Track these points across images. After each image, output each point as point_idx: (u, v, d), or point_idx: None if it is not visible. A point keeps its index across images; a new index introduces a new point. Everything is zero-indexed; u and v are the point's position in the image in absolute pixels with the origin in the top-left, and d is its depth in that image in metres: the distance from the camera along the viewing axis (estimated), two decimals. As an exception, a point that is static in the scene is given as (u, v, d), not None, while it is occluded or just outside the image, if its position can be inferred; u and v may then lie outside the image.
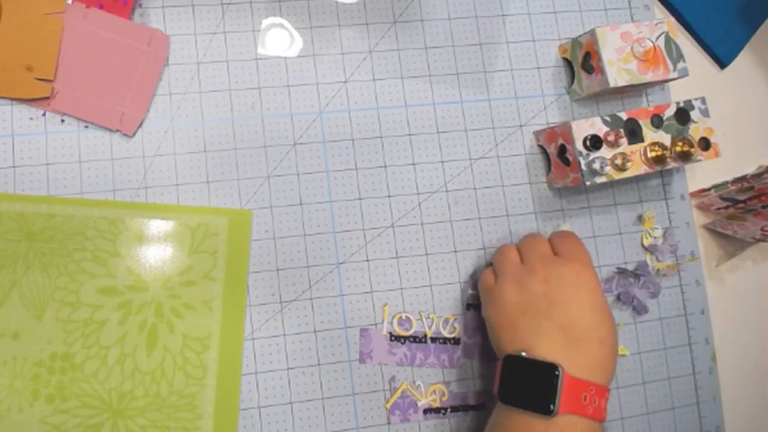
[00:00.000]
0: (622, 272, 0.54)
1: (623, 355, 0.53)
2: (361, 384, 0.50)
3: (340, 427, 0.49)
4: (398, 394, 0.50)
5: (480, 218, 0.53)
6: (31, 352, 0.46)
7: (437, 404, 0.50)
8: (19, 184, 0.49)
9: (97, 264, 0.48)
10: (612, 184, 0.56)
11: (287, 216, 0.51)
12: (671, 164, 0.50)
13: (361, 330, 0.51)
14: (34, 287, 0.47)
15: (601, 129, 0.50)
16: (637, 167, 0.50)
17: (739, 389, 0.56)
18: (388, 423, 0.50)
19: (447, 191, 0.53)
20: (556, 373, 0.41)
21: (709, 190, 0.56)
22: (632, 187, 0.56)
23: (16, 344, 0.46)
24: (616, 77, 0.51)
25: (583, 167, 0.49)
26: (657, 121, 0.51)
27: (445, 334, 0.52)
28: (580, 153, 0.49)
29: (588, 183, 0.49)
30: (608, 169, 0.49)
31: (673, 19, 0.53)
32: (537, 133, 0.55)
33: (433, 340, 0.51)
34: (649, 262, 0.55)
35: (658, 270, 0.55)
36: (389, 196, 0.52)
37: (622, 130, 0.50)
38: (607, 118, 0.50)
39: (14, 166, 0.49)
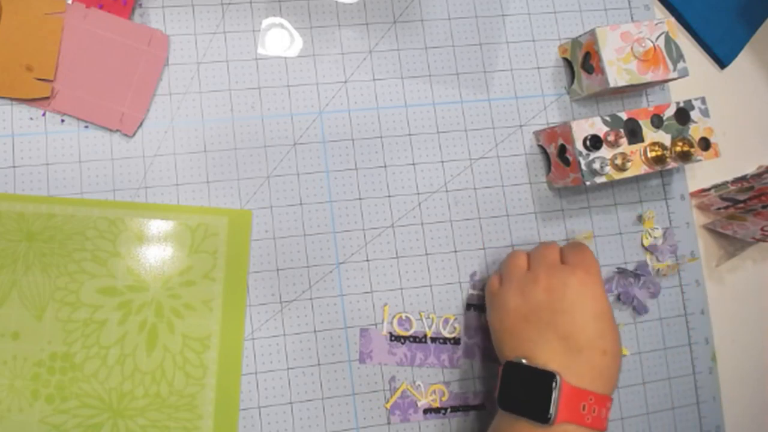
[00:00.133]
0: (622, 272, 0.54)
1: (623, 355, 0.53)
2: (361, 384, 0.50)
3: (340, 427, 0.49)
4: (398, 394, 0.50)
5: (480, 218, 0.53)
6: (31, 352, 0.46)
7: (437, 404, 0.50)
8: (19, 184, 0.49)
9: (97, 264, 0.48)
10: (612, 184, 0.56)
11: (287, 216, 0.51)
12: (671, 164, 0.50)
13: (361, 330, 0.51)
14: (34, 287, 0.47)
15: (601, 129, 0.50)
16: (637, 167, 0.50)
17: (739, 389, 0.56)
18: (388, 423, 0.50)
19: (447, 191, 0.53)
20: (554, 382, 0.41)
21: (709, 190, 0.56)
22: (632, 187, 0.56)
23: (16, 344, 0.46)
24: (616, 77, 0.51)
25: (583, 167, 0.49)
26: (657, 121, 0.51)
27: (445, 334, 0.52)
28: (580, 153, 0.49)
29: (588, 183, 0.49)
30: (608, 169, 0.49)
31: (673, 19, 0.53)
32: (537, 133, 0.55)
33: (433, 340, 0.51)
34: (649, 262, 0.55)
35: (658, 270, 0.55)
36: (389, 196, 0.52)
37: (622, 130, 0.50)
38: (607, 118, 0.50)
39: (14, 166, 0.49)
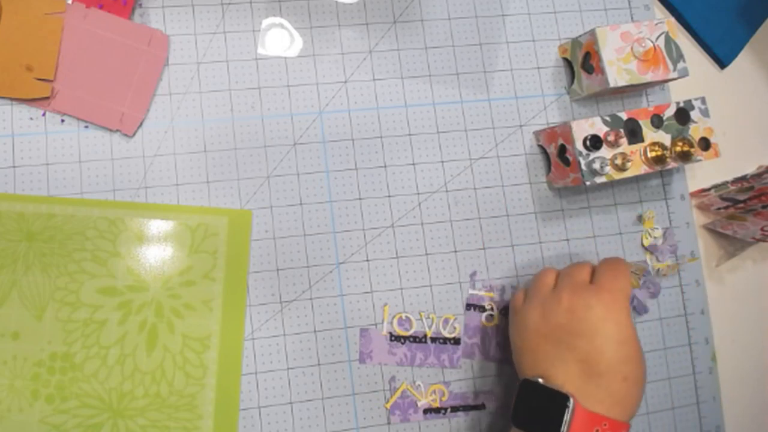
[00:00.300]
0: (622, 272, 0.54)
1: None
2: (361, 384, 0.50)
3: (340, 427, 0.49)
4: (398, 394, 0.50)
5: (480, 218, 0.53)
6: (31, 352, 0.46)
7: (437, 404, 0.50)
8: (19, 184, 0.49)
9: (97, 264, 0.48)
10: (612, 184, 0.56)
11: (287, 216, 0.51)
12: (671, 164, 0.50)
13: (361, 330, 0.51)
14: (34, 287, 0.47)
15: (601, 129, 0.50)
16: (637, 167, 0.50)
17: (739, 389, 0.56)
18: (388, 423, 0.50)
19: (447, 191, 0.53)
20: (567, 404, 0.40)
21: (709, 190, 0.56)
22: (632, 187, 0.56)
23: (16, 344, 0.46)
24: (616, 77, 0.51)
25: (583, 167, 0.49)
26: (657, 121, 0.51)
27: (445, 334, 0.52)
28: (580, 153, 0.49)
29: (588, 183, 0.49)
30: (608, 169, 0.49)
31: (673, 19, 0.53)
32: (537, 133, 0.55)
33: (433, 340, 0.51)
34: (649, 262, 0.55)
35: (658, 270, 0.55)
36: (389, 196, 0.52)
37: (622, 130, 0.50)
38: (607, 118, 0.50)
39: (14, 166, 0.49)
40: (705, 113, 0.52)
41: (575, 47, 0.54)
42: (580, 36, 0.54)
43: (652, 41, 0.51)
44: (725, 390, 0.55)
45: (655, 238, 0.55)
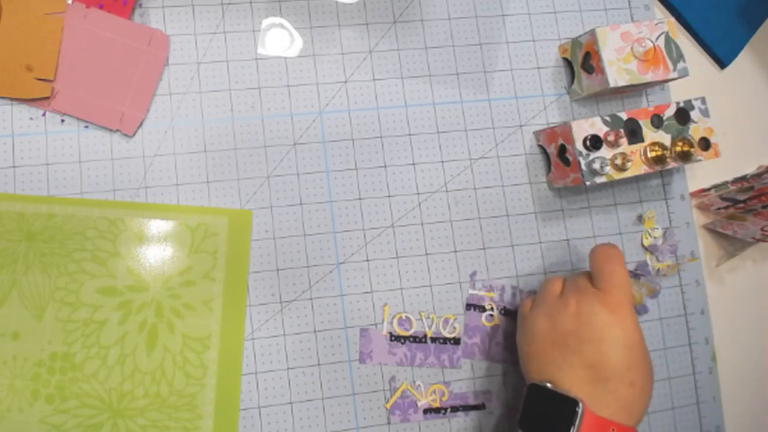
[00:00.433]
0: (622, 272, 0.54)
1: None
2: (361, 384, 0.50)
3: (340, 427, 0.49)
4: (398, 394, 0.50)
5: (480, 218, 0.53)
6: (31, 352, 0.46)
7: (437, 404, 0.50)
8: (19, 184, 0.49)
9: (97, 264, 0.48)
10: (612, 184, 0.56)
11: (287, 216, 0.51)
12: (671, 164, 0.50)
13: (361, 330, 0.51)
14: (34, 287, 0.47)
15: (601, 129, 0.50)
16: (637, 167, 0.50)
17: (739, 389, 0.56)
18: (388, 423, 0.50)
19: (447, 191, 0.53)
20: (576, 409, 0.40)
21: (709, 190, 0.56)
22: (632, 187, 0.56)
23: (16, 344, 0.46)
24: (616, 77, 0.51)
25: (583, 167, 0.49)
26: (657, 121, 0.51)
27: (445, 334, 0.52)
28: (580, 153, 0.49)
29: (588, 183, 0.49)
30: (608, 169, 0.49)
31: (673, 19, 0.53)
32: (537, 133, 0.55)
33: (433, 340, 0.51)
34: (649, 262, 0.55)
35: (658, 270, 0.55)
36: (389, 196, 0.52)
37: (622, 130, 0.50)
38: (607, 118, 0.50)
39: (14, 166, 0.49)
40: (705, 113, 0.52)
41: (575, 47, 0.54)
42: (580, 36, 0.54)
43: (652, 41, 0.51)
44: (725, 390, 0.55)
45: (655, 238, 0.55)
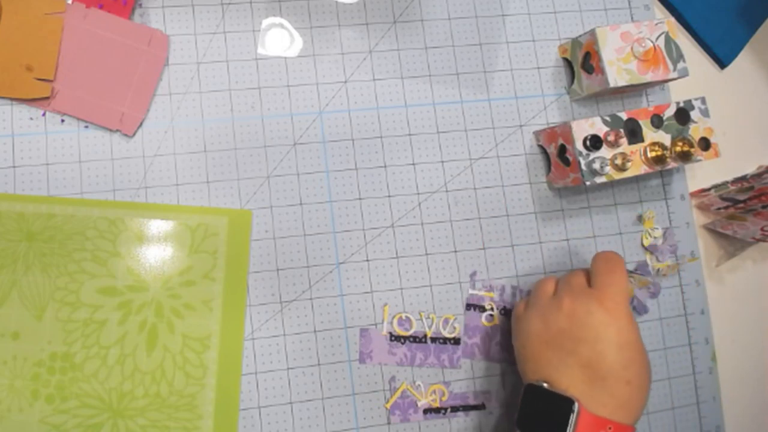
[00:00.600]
0: (622, 272, 0.54)
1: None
2: (361, 384, 0.50)
3: (340, 427, 0.49)
4: (398, 394, 0.50)
5: (480, 218, 0.53)
6: (31, 352, 0.46)
7: (437, 404, 0.50)
8: (19, 184, 0.49)
9: (97, 264, 0.48)
10: (612, 184, 0.56)
11: (287, 216, 0.51)
12: (671, 164, 0.50)
13: (361, 330, 0.51)
14: (34, 287, 0.47)
15: (601, 129, 0.50)
16: (637, 167, 0.50)
17: (739, 389, 0.56)
18: (388, 423, 0.50)
19: (447, 191, 0.53)
20: (572, 408, 0.40)
21: (709, 190, 0.56)
22: (632, 187, 0.56)
23: (16, 344, 0.46)
24: (616, 77, 0.51)
25: (583, 167, 0.49)
26: (657, 121, 0.51)
27: (445, 334, 0.52)
28: (580, 153, 0.49)
29: (588, 183, 0.49)
30: (608, 169, 0.49)
31: (673, 19, 0.53)
32: (537, 133, 0.55)
33: (433, 340, 0.51)
34: (649, 262, 0.55)
35: (658, 270, 0.55)
36: (389, 196, 0.52)
37: (622, 130, 0.50)
38: (607, 118, 0.50)
39: (14, 166, 0.49)
40: (705, 113, 0.52)
41: (575, 47, 0.54)
42: (580, 36, 0.54)
43: (652, 41, 0.51)
44: (725, 390, 0.55)
45: (655, 238, 0.55)
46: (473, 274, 0.53)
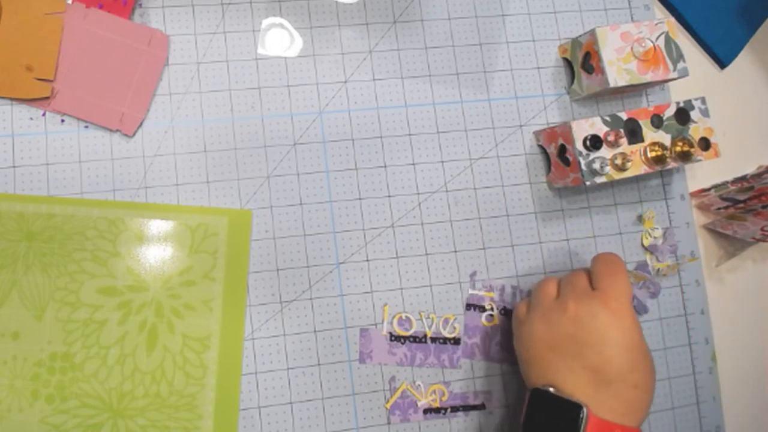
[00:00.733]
0: (622, 272, 0.54)
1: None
2: (361, 384, 0.50)
3: (340, 427, 0.49)
4: (398, 394, 0.50)
5: (480, 218, 0.53)
6: (31, 352, 0.46)
7: (437, 404, 0.50)
8: (19, 184, 0.49)
9: (97, 264, 0.48)
10: (612, 184, 0.56)
11: (287, 216, 0.51)
12: (671, 164, 0.50)
13: (361, 330, 0.51)
14: (34, 287, 0.47)
15: (601, 129, 0.50)
16: (637, 167, 0.50)
17: (739, 389, 0.56)
18: (388, 423, 0.50)
19: (447, 191, 0.53)
20: (581, 414, 0.40)
21: (709, 190, 0.56)
22: (632, 187, 0.56)
23: (16, 344, 0.46)
24: (616, 77, 0.51)
25: (583, 167, 0.49)
26: (657, 121, 0.51)
27: (445, 334, 0.52)
28: (580, 153, 0.49)
29: (588, 183, 0.49)
30: (608, 169, 0.49)
31: (673, 19, 0.53)
32: (537, 133, 0.55)
33: (433, 340, 0.51)
34: (649, 262, 0.55)
35: (658, 270, 0.55)
36: (389, 196, 0.52)
37: (622, 130, 0.50)
38: (607, 118, 0.50)
39: (14, 166, 0.49)
40: (705, 113, 0.52)
41: (575, 47, 0.54)
42: (580, 36, 0.54)
43: (652, 41, 0.51)
44: (725, 390, 0.55)
45: (655, 238, 0.55)
46: (473, 274, 0.53)
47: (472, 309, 0.52)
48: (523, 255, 0.54)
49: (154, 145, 0.50)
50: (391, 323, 0.51)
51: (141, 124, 0.50)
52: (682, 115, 0.51)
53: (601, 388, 0.41)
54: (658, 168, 0.50)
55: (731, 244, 0.57)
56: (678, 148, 0.50)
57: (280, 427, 0.49)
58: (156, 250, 0.49)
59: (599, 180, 0.49)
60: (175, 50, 0.52)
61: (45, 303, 0.47)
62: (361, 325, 0.51)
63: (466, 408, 0.51)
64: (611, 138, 0.49)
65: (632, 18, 0.58)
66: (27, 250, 0.47)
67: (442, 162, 0.54)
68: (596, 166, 0.48)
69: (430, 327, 0.51)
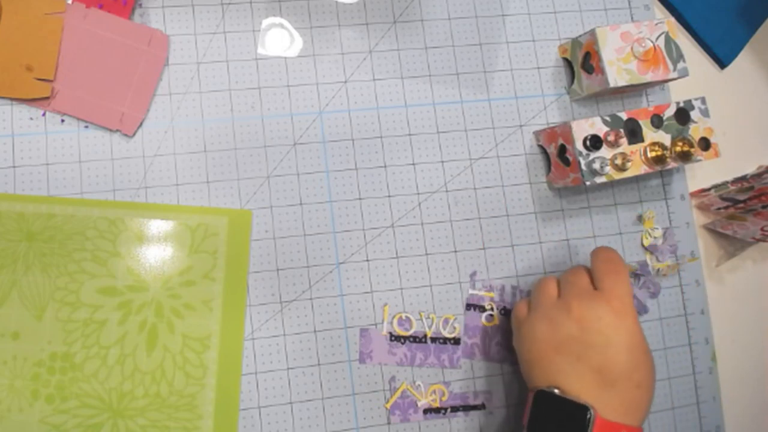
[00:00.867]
0: (622, 272, 0.54)
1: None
2: (361, 384, 0.50)
3: (340, 427, 0.49)
4: (398, 394, 0.50)
5: (480, 218, 0.53)
6: (31, 352, 0.46)
7: (437, 404, 0.50)
8: (19, 184, 0.49)
9: (97, 264, 0.48)
10: (612, 184, 0.56)
11: (287, 216, 0.51)
12: (671, 164, 0.50)
13: (361, 330, 0.51)
14: (34, 287, 0.47)
15: (601, 129, 0.50)
16: (637, 167, 0.50)
17: (739, 389, 0.56)
18: (388, 423, 0.50)
19: (447, 191, 0.53)
20: (587, 415, 0.40)
21: (709, 190, 0.56)
22: (632, 187, 0.56)
23: (16, 344, 0.46)
24: (616, 77, 0.51)
25: (583, 167, 0.49)
26: (657, 121, 0.51)
27: (445, 334, 0.52)
28: (580, 153, 0.49)
29: (588, 183, 0.49)
30: (608, 169, 0.49)
31: (673, 19, 0.53)
32: (537, 133, 0.55)
33: (433, 340, 0.51)
34: (649, 262, 0.55)
35: (658, 270, 0.55)
36: (389, 196, 0.52)
37: (622, 130, 0.50)
38: (607, 118, 0.50)
39: (14, 166, 0.49)
40: (705, 113, 0.52)
41: (575, 47, 0.54)
42: (580, 36, 0.54)
43: (652, 41, 0.51)
44: (725, 390, 0.55)
45: (655, 238, 0.55)
46: (473, 274, 0.53)
47: (472, 309, 0.52)
48: (523, 255, 0.54)
49: (154, 145, 0.50)
50: (391, 323, 0.51)
51: (141, 124, 0.50)
52: (682, 115, 0.51)
53: (606, 389, 0.41)
54: (658, 168, 0.50)
55: (731, 244, 0.57)
56: (678, 148, 0.50)
57: (280, 427, 0.49)
58: (156, 250, 0.49)
59: (599, 180, 0.49)
60: (175, 50, 0.52)
61: (45, 303, 0.47)
62: (361, 325, 0.51)
63: (466, 408, 0.51)
64: (611, 138, 0.49)
65: (632, 18, 0.58)
66: (27, 250, 0.47)
67: (442, 162, 0.54)
68: (596, 166, 0.49)
69: (430, 327, 0.51)
